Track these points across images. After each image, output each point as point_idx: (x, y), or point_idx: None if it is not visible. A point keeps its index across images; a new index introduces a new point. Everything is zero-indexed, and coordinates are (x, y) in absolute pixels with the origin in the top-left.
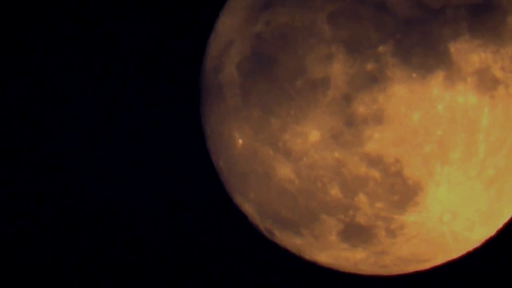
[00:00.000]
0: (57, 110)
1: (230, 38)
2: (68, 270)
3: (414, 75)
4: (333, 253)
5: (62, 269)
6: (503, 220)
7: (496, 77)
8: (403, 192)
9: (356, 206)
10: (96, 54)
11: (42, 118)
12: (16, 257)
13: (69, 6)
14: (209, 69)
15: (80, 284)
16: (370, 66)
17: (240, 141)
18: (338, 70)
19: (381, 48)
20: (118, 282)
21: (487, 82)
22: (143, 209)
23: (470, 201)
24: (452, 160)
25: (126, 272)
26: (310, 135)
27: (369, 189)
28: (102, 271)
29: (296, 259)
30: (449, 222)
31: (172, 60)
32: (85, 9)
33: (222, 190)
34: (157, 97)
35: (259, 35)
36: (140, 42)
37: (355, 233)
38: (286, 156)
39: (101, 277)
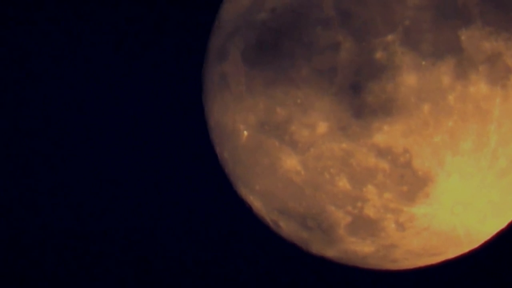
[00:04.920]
0: (56, 109)
1: (234, 26)
2: (67, 271)
3: (423, 63)
4: (341, 246)
5: (63, 270)
6: None
7: (509, 66)
8: (413, 183)
9: (364, 198)
10: (97, 46)
11: (42, 118)
12: (21, 258)
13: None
14: (213, 58)
15: (78, 283)
16: (378, 54)
17: (245, 132)
18: (346, 59)
19: (389, 36)
20: (120, 279)
21: (499, 71)
22: (146, 202)
23: (481, 192)
24: (463, 151)
25: (129, 266)
26: (318, 126)
27: (377, 181)
28: (103, 268)
29: (303, 252)
30: (460, 214)
31: (175, 49)
32: None
33: (226, 182)
34: (160, 87)
35: (264, 23)
36: (142, 31)
37: (364, 226)
38: (293, 147)
39: (102, 273)
